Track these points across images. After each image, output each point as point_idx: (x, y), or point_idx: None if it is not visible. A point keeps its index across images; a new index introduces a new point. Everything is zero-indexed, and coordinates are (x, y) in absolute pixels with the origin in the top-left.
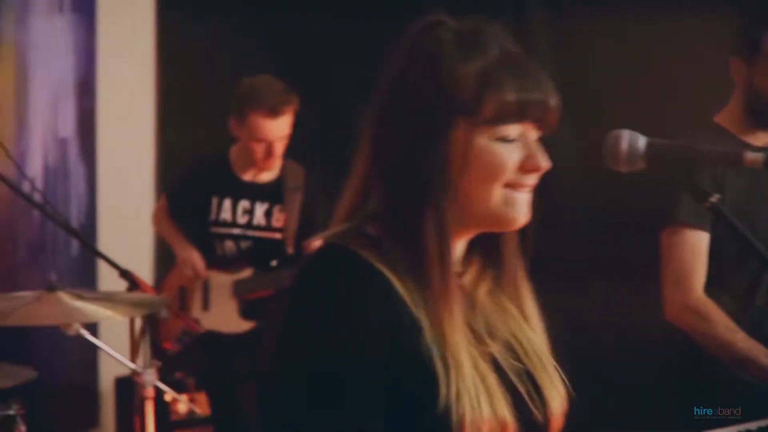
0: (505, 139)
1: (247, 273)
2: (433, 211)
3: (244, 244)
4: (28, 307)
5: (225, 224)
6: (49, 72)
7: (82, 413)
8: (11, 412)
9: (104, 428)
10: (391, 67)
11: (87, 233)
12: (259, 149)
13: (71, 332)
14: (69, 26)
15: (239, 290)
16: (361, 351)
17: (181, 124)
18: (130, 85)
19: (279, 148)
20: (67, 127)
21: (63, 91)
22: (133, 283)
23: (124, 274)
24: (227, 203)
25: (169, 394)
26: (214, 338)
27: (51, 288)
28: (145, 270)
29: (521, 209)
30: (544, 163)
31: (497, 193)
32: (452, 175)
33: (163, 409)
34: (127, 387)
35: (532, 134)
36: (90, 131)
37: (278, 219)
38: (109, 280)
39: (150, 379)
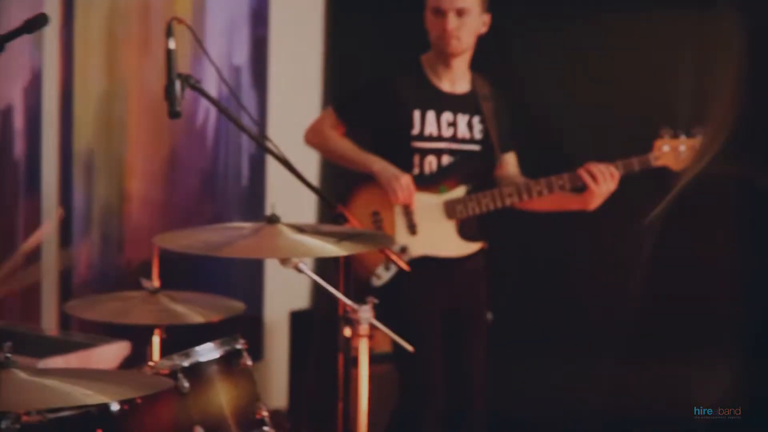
0: None
1: (459, 191)
2: None
3: (445, 159)
4: (248, 240)
5: (430, 138)
6: (224, 1)
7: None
8: (238, 346)
9: (269, 361)
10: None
11: (258, 162)
12: (437, 26)
13: (288, 266)
14: None
15: (457, 210)
16: None
17: (350, 53)
18: (300, 14)
19: (455, 24)
20: (241, 55)
21: (237, 19)
22: (342, 217)
23: (331, 205)
24: (431, 116)
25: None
26: (427, 263)
27: (272, 220)
28: (310, 198)
29: None
30: None
31: None
32: None
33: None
34: (303, 321)
35: None
36: (262, 60)
37: (480, 131)
38: (279, 210)
39: (366, 316)
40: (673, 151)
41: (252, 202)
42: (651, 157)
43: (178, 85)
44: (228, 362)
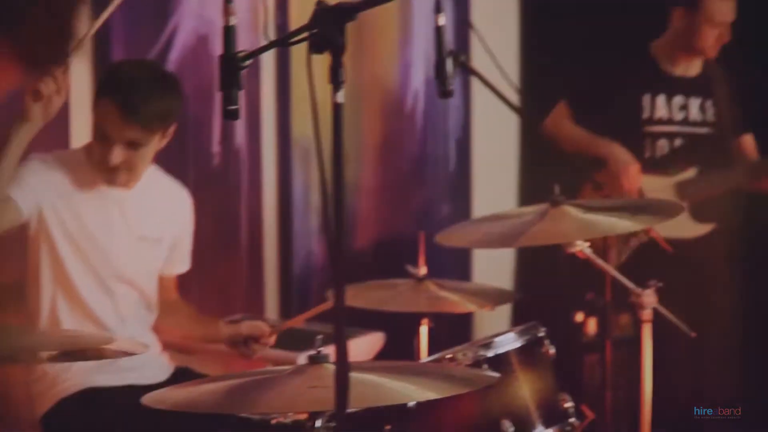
0: None
1: (689, 173)
2: None
3: (677, 142)
4: (540, 226)
5: (660, 122)
6: None
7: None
8: (540, 334)
9: None
10: None
11: (464, 147)
12: (712, 34)
13: (572, 250)
14: None
15: (688, 192)
16: None
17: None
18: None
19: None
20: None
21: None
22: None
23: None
24: (661, 100)
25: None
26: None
27: (556, 202)
28: (511, 183)
29: None
30: None
31: None
32: None
33: (575, 330)
34: (525, 310)
35: None
36: (464, 40)
37: (713, 113)
38: (483, 195)
39: (650, 300)
40: None
41: (459, 188)
42: None
43: (449, 62)
44: (530, 351)
